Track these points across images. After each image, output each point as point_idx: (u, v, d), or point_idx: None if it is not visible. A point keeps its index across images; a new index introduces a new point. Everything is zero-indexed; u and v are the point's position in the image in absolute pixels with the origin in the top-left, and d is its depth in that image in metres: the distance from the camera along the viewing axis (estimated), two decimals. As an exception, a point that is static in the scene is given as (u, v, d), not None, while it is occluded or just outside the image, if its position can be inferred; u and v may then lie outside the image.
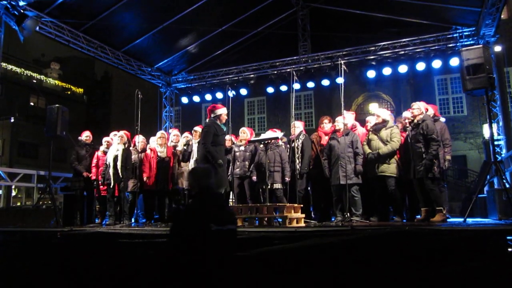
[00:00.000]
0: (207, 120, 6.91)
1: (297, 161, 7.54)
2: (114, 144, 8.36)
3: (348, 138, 7.08)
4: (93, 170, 8.65)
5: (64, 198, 9.14)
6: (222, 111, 6.83)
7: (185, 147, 8.34)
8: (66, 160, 29.04)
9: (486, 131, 16.93)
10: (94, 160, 8.71)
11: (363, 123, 7.97)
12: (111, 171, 8.09)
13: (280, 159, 7.64)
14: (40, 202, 9.39)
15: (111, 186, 8.10)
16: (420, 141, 6.46)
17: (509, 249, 3.40)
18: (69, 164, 9.02)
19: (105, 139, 8.85)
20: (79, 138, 9.13)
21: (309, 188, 8.03)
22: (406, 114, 7.16)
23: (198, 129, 8.20)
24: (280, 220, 6.10)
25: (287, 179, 7.55)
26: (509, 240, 3.53)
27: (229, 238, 3.23)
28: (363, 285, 3.26)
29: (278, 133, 7.60)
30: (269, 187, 7.47)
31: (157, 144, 8.70)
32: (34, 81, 34.57)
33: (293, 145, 7.73)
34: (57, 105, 9.02)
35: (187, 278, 3.05)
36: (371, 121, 7.53)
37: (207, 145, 6.42)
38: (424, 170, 6.34)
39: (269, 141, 7.46)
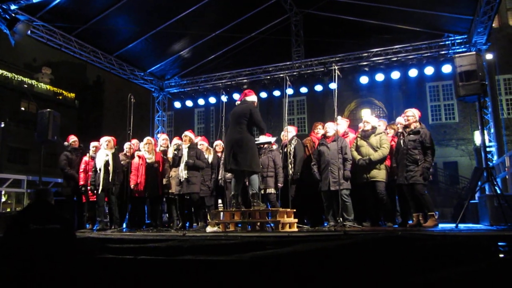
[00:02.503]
0: (243, 102, 6.62)
1: (290, 166, 7.53)
2: (101, 150, 8.26)
3: (338, 144, 7.06)
4: (81, 175, 8.55)
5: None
6: (255, 98, 6.79)
7: (175, 152, 8.27)
8: (57, 165, 28.86)
9: (477, 138, 17.11)
10: (82, 165, 8.61)
11: (356, 129, 7.96)
12: (101, 176, 8.00)
13: (274, 164, 7.62)
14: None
15: (99, 192, 8.00)
16: (417, 148, 6.50)
17: (501, 255, 3.40)
18: (59, 169, 8.89)
19: (92, 144, 8.74)
20: (65, 143, 9.03)
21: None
22: (400, 120, 7.19)
23: (188, 133, 8.16)
24: (273, 225, 6.07)
25: (280, 184, 7.53)
26: (500, 245, 3.53)
27: (51, 236, 4.11)
28: (355, 290, 3.25)
29: (270, 138, 7.58)
30: (262, 192, 7.44)
31: (145, 151, 8.61)
32: (25, 85, 34.32)
33: (285, 150, 7.71)
34: (48, 109, 8.94)
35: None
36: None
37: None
38: (419, 176, 6.38)
39: (261, 146, 7.44)
